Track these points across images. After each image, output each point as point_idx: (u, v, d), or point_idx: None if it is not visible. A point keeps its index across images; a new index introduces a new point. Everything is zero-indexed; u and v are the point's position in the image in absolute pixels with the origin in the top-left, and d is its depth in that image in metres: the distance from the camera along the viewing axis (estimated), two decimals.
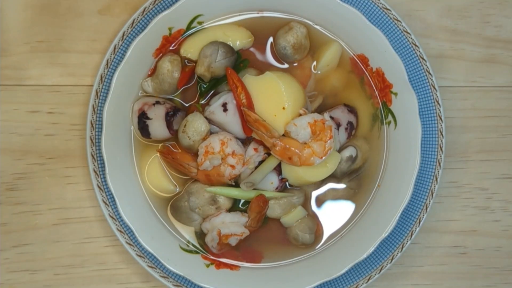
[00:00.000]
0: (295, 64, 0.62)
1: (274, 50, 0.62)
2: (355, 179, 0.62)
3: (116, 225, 0.59)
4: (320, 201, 0.62)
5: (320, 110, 0.61)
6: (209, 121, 0.59)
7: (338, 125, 0.60)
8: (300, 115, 0.59)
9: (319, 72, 0.62)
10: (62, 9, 0.63)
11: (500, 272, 0.64)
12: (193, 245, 0.61)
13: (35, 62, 0.63)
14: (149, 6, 0.61)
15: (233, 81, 0.59)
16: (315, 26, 0.62)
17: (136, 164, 0.61)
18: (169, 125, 0.60)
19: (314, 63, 0.62)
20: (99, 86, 0.60)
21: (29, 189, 0.62)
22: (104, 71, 0.60)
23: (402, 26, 0.61)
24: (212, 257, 0.61)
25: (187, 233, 0.61)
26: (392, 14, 0.61)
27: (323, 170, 0.60)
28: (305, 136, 0.58)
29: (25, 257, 0.62)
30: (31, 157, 0.62)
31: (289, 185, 0.61)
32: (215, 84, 0.61)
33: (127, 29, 0.60)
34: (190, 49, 0.61)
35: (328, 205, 0.62)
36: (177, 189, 0.61)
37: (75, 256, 0.63)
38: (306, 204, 0.62)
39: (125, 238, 0.59)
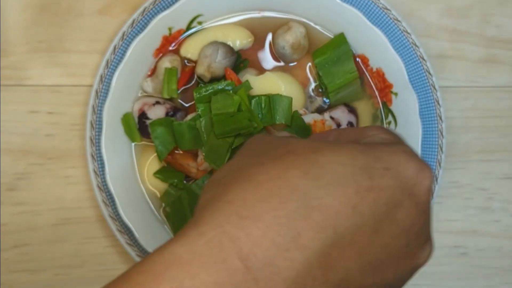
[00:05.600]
0: (295, 64, 0.62)
1: (273, 50, 0.62)
2: None
3: (116, 225, 0.59)
4: None
5: (320, 110, 0.61)
6: None
7: (338, 125, 0.60)
8: (300, 115, 0.59)
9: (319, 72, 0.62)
10: (62, 9, 0.63)
11: (501, 272, 0.64)
12: None
13: (35, 62, 0.63)
14: (149, 6, 0.61)
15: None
16: (315, 26, 0.62)
17: (136, 164, 0.61)
18: None
19: None
20: (99, 86, 0.60)
21: (29, 189, 0.62)
22: (104, 71, 0.60)
23: (402, 26, 0.61)
24: None
25: None
26: (392, 14, 0.61)
27: None
28: None
29: (25, 257, 0.62)
30: (31, 157, 0.62)
31: None
32: None
33: (127, 29, 0.60)
34: (190, 49, 0.61)
35: None
36: None
37: (75, 256, 0.63)
38: None
39: (125, 238, 0.59)
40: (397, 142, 0.37)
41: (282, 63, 0.62)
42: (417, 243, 0.36)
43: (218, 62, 0.59)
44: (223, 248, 0.30)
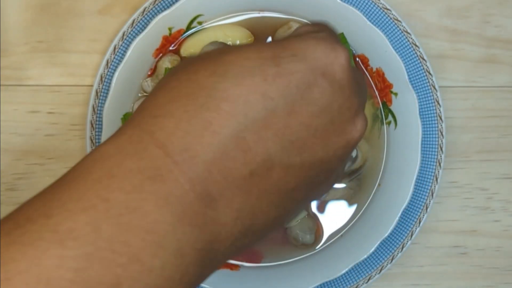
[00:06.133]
0: None
1: None
2: (355, 179, 0.62)
3: None
4: (320, 202, 0.62)
5: None
6: None
7: None
8: None
9: None
10: (62, 9, 0.63)
11: (500, 272, 0.64)
12: None
13: (35, 62, 0.63)
14: (149, 6, 0.61)
15: None
16: None
17: None
18: None
19: None
20: (99, 86, 0.60)
21: (29, 189, 0.62)
22: (104, 71, 0.60)
23: (402, 26, 0.61)
24: None
25: None
26: (392, 14, 0.61)
27: None
28: None
29: None
30: (31, 157, 0.62)
31: None
32: None
33: (127, 29, 0.60)
34: (190, 49, 0.61)
35: (328, 205, 0.62)
36: None
37: None
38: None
39: None
40: (312, 32, 0.38)
41: None
42: (342, 118, 0.37)
43: None
44: (142, 140, 0.32)
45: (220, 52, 0.35)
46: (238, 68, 0.34)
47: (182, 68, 0.35)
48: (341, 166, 0.40)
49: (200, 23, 0.62)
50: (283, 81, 0.34)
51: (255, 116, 0.33)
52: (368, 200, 0.62)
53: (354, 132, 0.38)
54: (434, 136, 0.61)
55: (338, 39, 0.39)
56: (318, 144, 0.36)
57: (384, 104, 0.61)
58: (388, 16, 0.61)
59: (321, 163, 0.37)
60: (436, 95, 0.61)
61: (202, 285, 0.58)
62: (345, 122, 0.37)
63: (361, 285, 0.61)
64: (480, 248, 0.64)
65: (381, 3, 0.61)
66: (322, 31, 0.39)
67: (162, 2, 0.61)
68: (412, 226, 0.61)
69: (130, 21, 0.61)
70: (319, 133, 0.36)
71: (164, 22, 0.59)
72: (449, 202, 0.64)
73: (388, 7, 0.61)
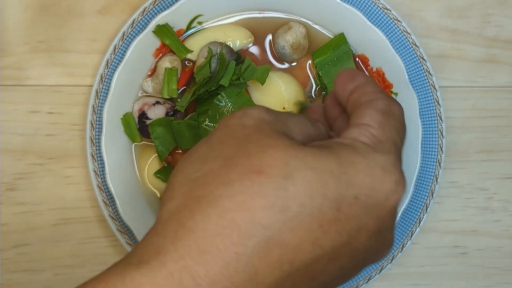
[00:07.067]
0: (295, 64, 0.62)
1: (273, 50, 0.62)
2: None
3: (116, 225, 0.59)
4: None
5: None
6: None
7: None
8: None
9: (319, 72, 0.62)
10: (62, 9, 0.63)
11: (501, 272, 0.64)
12: None
13: (35, 62, 0.63)
14: (149, 6, 0.61)
15: None
16: (315, 25, 0.62)
17: (136, 164, 0.61)
18: None
19: None
20: (99, 86, 0.60)
21: (29, 189, 0.62)
22: (104, 71, 0.60)
23: (402, 26, 0.61)
24: None
25: None
26: (392, 14, 0.61)
27: None
28: None
29: (25, 257, 0.62)
30: (31, 157, 0.62)
31: None
32: None
33: (127, 29, 0.60)
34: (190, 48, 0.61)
35: None
36: None
37: (75, 256, 0.62)
38: None
39: (125, 238, 0.59)
40: (377, 150, 0.35)
41: (282, 63, 0.62)
42: (375, 257, 0.36)
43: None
44: (183, 283, 0.30)
45: (283, 171, 0.32)
46: (298, 207, 0.31)
47: (239, 175, 0.32)
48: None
49: (200, 23, 0.62)
50: (337, 228, 0.32)
51: (299, 265, 0.32)
52: None
53: (378, 259, 0.37)
54: (434, 136, 0.61)
55: (400, 154, 0.36)
56: (344, 281, 0.36)
57: None
58: (388, 16, 0.61)
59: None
60: (436, 95, 0.61)
61: None
62: (376, 259, 0.37)
63: (361, 285, 0.61)
64: (480, 248, 0.64)
65: (381, 3, 0.61)
66: (388, 145, 0.35)
67: (162, 2, 0.61)
68: (412, 226, 0.61)
69: (130, 21, 0.60)
70: (349, 274, 0.35)
71: (164, 22, 0.59)
72: (449, 202, 0.64)
73: (388, 7, 0.61)
